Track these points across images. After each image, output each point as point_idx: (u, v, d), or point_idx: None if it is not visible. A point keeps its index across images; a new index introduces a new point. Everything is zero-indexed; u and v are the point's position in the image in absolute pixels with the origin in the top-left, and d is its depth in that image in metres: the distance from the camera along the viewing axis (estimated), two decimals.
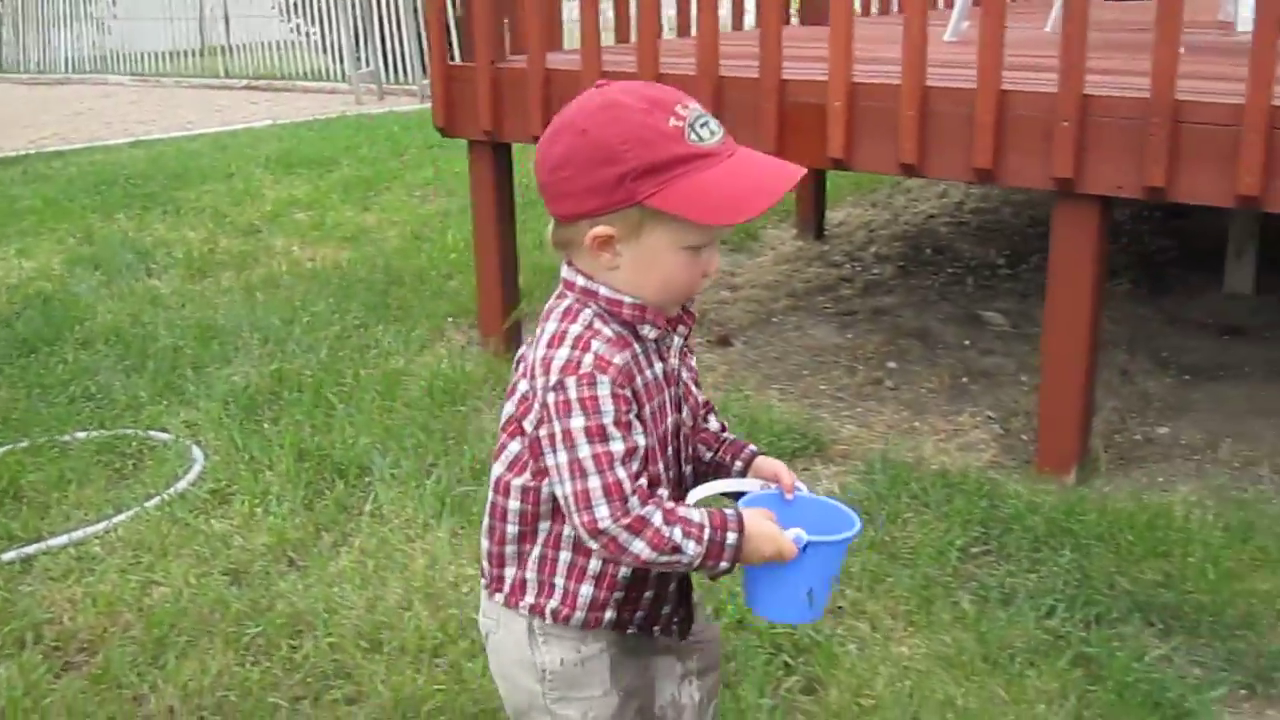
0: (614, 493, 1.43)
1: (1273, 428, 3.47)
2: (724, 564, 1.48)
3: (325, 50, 13.01)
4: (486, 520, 1.58)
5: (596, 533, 1.43)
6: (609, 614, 1.56)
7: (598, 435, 1.43)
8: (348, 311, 4.46)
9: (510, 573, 1.57)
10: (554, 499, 1.49)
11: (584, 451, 1.43)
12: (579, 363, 1.43)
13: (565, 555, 1.54)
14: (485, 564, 1.60)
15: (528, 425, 1.49)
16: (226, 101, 12.08)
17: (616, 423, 1.43)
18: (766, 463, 1.65)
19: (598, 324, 1.46)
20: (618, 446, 1.43)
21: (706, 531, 1.46)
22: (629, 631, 1.59)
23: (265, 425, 3.43)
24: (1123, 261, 5.04)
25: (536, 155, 1.48)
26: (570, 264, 1.50)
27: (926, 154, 3.10)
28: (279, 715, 2.22)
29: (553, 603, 1.55)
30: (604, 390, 1.43)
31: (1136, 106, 2.84)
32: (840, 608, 2.50)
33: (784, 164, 1.48)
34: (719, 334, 4.37)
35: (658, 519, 1.44)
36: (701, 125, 1.43)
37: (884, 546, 2.73)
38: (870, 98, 3.17)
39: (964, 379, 3.89)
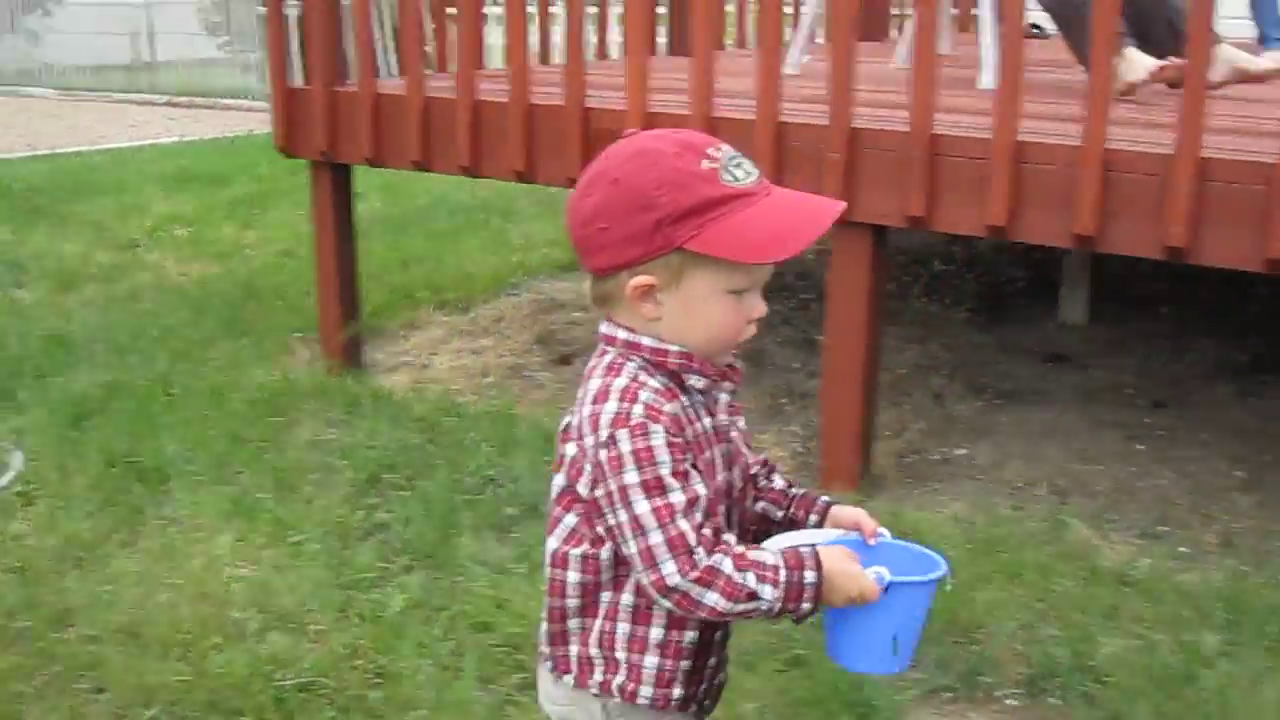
0: (679, 546, 1.37)
1: (1060, 449, 3.65)
2: (805, 605, 1.41)
3: (249, 68, 13.10)
4: (547, 601, 1.51)
5: (667, 590, 1.38)
6: (677, 691, 1.48)
7: (656, 489, 1.38)
8: (200, 325, 4.56)
9: (575, 650, 1.49)
10: (614, 566, 1.44)
11: (642, 508, 1.37)
12: (628, 414, 1.39)
13: (624, 627, 1.47)
14: (547, 647, 1.53)
15: (582, 489, 1.43)
16: (145, 117, 12.12)
17: (674, 473, 1.38)
18: (844, 511, 1.57)
19: (643, 376, 1.42)
20: (678, 498, 1.38)
21: (783, 573, 1.40)
22: (691, 710, 1.51)
23: (89, 433, 3.52)
24: (970, 290, 5.23)
25: (568, 211, 1.45)
26: (610, 320, 1.46)
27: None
28: (24, 700, 2.32)
29: (619, 679, 1.47)
30: (658, 440, 1.38)
31: (897, 140, 3.02)
32: None
33: (823, 199, 1.46)
34: (561, 353, 4.50)
35: (728, 567, 1.39)
36: (735, 166, 1.40)
37: None
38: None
39: (783, 399, 4.05)
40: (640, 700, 1.47)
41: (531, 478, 3.20)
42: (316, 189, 4.09)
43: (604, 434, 1.38)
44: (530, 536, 2.89)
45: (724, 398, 1.50)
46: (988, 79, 3.88)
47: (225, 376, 4.00)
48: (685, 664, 1.47)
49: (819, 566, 1.40)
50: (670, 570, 1.37)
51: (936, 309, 4.99)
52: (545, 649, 1.53)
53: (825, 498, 1.58)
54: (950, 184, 2.99)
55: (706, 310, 1.42)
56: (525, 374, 4.29)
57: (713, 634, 1.49)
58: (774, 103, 3.16)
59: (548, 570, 1.48)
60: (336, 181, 4.06)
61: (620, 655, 1.47)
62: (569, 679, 1.49)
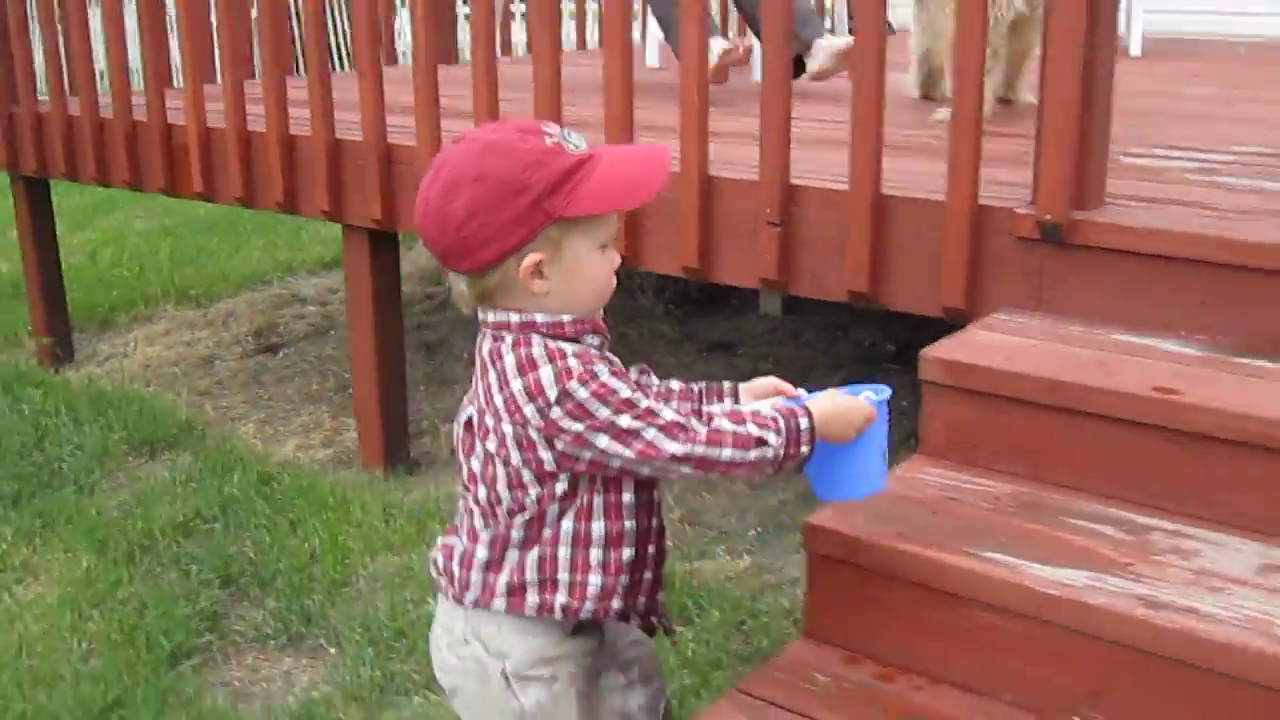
0: (673, 428, 1.51)
1: None
2: (804, 448, 1.57)
3: None
4: (470, 543, 1.63)
5: (682, 459, 1.51)
6: (616, 603, 1.61)
7: (628, 407, 1.50)
8: None
9: (504, 580, 1.60)
10: (558, 502, 1.56)
11: (625, 421, 1.49)
12: (568, 369, 1.50)
13: (565, 551, 1.59)
14: (464, 574, 1.63)
15: (516, 457, 1.54)
16: None
17: (634, 391, 1.52)
18: (758, 383, 1.73)
19: (550, 344, 1.53)
20: (650, 403, 1.51)
21: (781, 421, 1.56)
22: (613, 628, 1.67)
23: None
24: (681, 286, 5.41)
25: (430, 224, 1.53)
26: (497, 309, 1.56)
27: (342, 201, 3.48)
28: None
29: (561, 598, 1.59)
30: (605, 376, 1.50)
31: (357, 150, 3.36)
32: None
33: (648, 146, 1.64)
34: (271, 343, 4.92)
35: (728, 424, 1.53)
36: (568, 137, 1.53)
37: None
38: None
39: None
40: (583, 615, 1.60)
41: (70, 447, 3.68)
42: (17, 202, 4.60)
43: (552, 393, 1.49)
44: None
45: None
46: None
47: None
48: (624, 579, 1.61)
49: (809, 414, 1.58)
50: (677, 447, 1.50)
51: (646, 303, 5.28)
52: (463, 575, 1.63)
53: (728, 382, 1.74)
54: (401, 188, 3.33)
55: (587, 269, 1.55)
56: (216, 362, 4.73)
57: (646, 549, 1.62)
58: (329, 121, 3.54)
59: (477, 512, 1.61)
60: (33, 193, 4.56)
61: (563, 577, 1.59)
62: (498, 603, 1.60)
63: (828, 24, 4.84)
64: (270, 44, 3.49)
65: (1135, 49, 5.79)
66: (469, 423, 1.61)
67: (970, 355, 2.15)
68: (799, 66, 4.44)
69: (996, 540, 1.88)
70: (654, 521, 1.66)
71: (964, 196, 2.38)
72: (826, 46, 4.30)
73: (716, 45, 4.10)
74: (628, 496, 1.60)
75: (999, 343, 2.22)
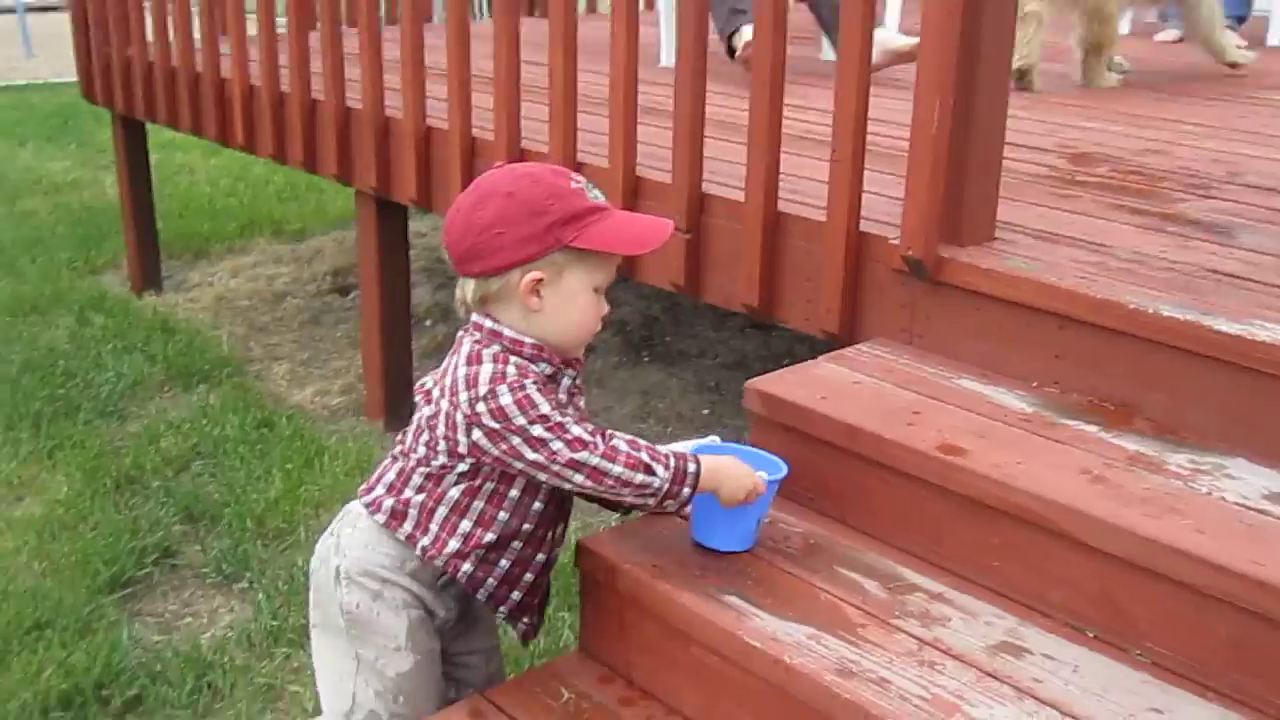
0: (579, 443, 1.70)
1: None
2: (687, 490, 1.76)
3: None
4: (391, 473, 1.85)
5: (578, 465, 1.70)
6: (466, 566, 1.81)
7: (541, 419, 1.69)
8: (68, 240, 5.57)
9: (412, 513, 1.82)
10: (455, 477, 1.78)
11: (537, 431, 1.69)
12: (504, 374, 1.71)
13: (443, 511, 1.80)
14: (372, 482, 1.87)
15: (441, 430, 1.75)
16: None
17: (553, 408, 1.71)
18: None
19: (501, 353, 1.74)
20: (562, 419, 1.71)
21: (672, 460, 1.75)
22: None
23: None
24: None
25: (456, 225, 1.76)
26: (488, 315, 1.78)
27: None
28: None
29: (424, 540, 1.80)
30: (532, 389, 1.70)
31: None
32: None
33: (655, 218, 1.85)
34: (346, 284, 5.17)
35: (624, 445, 1.73)
36: (592, 188, 1.78)
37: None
38: None
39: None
40: (437, 563, 1.81)
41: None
42: (115, 137, 4.95)
43: (483, 389, 1.70)
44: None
45: (566, 382, 1.83)
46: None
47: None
48: (479, 552, 1.81)
49: (699, 462, 1.78)
50: (579, 455, 1.70)
51: None
52: (374, 504, 1.85)
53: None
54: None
55: (578, 304, 1.77)
56: (287, 299, 5.01)
57: (510, 543, 1.82)
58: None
59: (398, 450, 1.85)
60: (129, 130, 4.90)
61: (432, 528, 1.81)
62: (403, 531, 1.82)
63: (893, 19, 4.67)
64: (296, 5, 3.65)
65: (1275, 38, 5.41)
66: (428, 391, 1.84)
67: (788, 390, 2.14)
68: None
69: (747, 583, 1.88)
70: (532, 528, 1.84)
71: (842, 222, 2.33)
72: (879, 41, 4.18)
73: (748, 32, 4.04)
74: (514, 493, 1.81)
75: (832, 378, 2.19)
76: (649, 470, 1.73)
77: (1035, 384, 2.15)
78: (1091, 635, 1.78)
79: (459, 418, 1.73)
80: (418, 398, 1.86)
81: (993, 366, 2.21)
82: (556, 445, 1.69)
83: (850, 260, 2.35)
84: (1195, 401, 1.97)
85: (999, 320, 2.19)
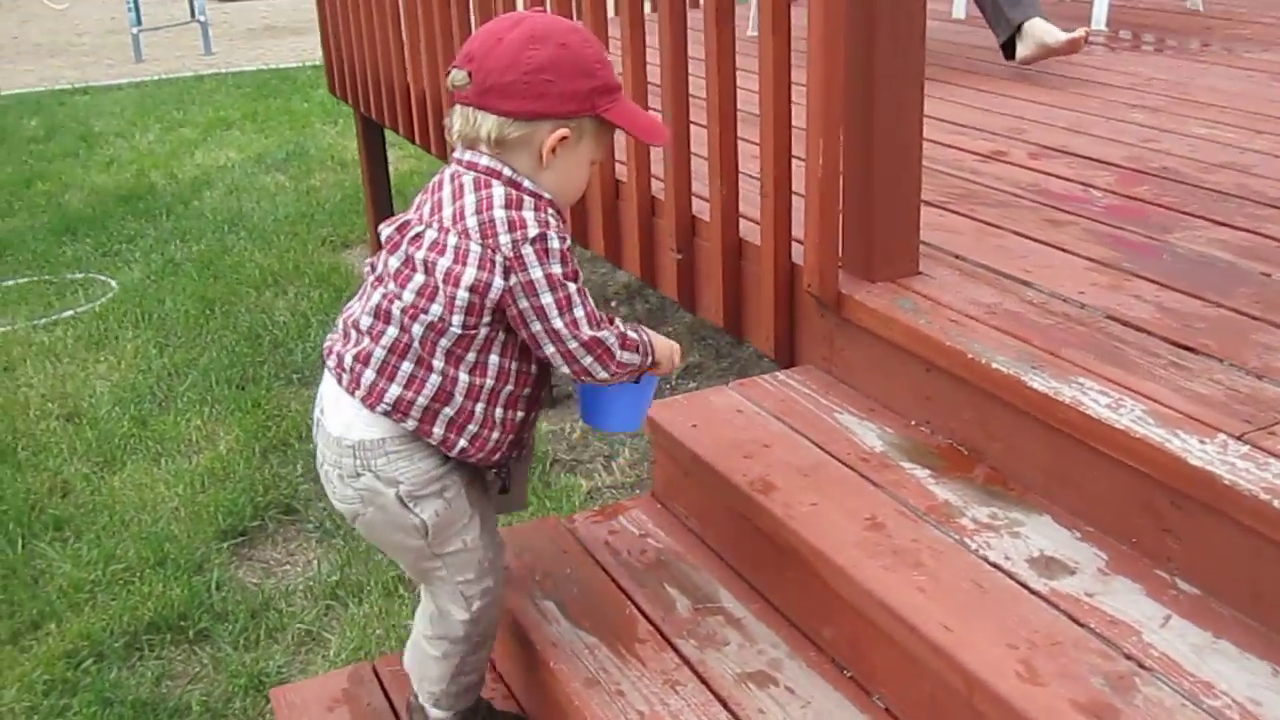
0: (594, 318, 1.72)
1: None
2: (649, 360, 1.81)
3: None
4: (371, 345, 1.73)
5: (593, 344, 1.72)
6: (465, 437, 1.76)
7: (573, 277, 1.70)
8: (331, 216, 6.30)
9: (396, 392, 1.73)
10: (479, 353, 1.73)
11: (571, 288, 1.69)
12: (548, 221, 1.69)
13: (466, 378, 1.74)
14: (358, 368, 1.74)
15: (472, 272, 1.66)
16: None
17: (577, 272, 1.72)
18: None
19: (532, 201, 1.71)
20: (579, 287, 1.72)
21: (647, 338, 1.81)
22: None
23: (184, 267, 5.44)
24: None
25: (498, 55, 1.67)
26: (495, 158, 1.71)
27: None
28: None
29: (438, 429, 1.74)
30: (566, 248, 1.70)
31: None
32: None
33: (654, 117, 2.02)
34: None
35: (628, 330, 1.78)
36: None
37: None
38: None
39: None
40: (430, 441, 1.75)
41: None
42: (357, 130, 5.59)
43: (532, 231, 1.66)
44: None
45: None
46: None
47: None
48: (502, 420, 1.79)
49: (646, 331, 1.82)
50: (601, 332, 1.72)
51: None
52: (351, 380, 1.75)
53: None
54: None
55: (581, 170, 1.77)
56: None
57: (516, 410, 1.81)
58: None
59: (386, 309, 1.72)
60: (369, 125, 5.51)
61: (446, 410, 1.73)
62: (381, 408, 1.73)
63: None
64: None
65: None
66: (402, 226, 1.76)
67: (670, 418, 2.29)
68: (1009, 50, 4.26)
69: (572, 591, 2.09)
70: (517, 407, 1.80)
71: (772, 252, 2.43)
72: (1038, 34, 4.09)
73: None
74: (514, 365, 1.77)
75: (721, 406, 2.32)
76: (645, 351, 1.79)
77: (912, 422, 2.20)
78: (848, 675, 1.87)
79: (497, 259, 1.66)
80: (386, 232, 1.77)
81: (883, 401, 2.26)
82: (579, 312, 1.69)
83: (781, 289, 2.45)
84: (1022, 455, 1.97)
85: (885, 358, 2.25)
